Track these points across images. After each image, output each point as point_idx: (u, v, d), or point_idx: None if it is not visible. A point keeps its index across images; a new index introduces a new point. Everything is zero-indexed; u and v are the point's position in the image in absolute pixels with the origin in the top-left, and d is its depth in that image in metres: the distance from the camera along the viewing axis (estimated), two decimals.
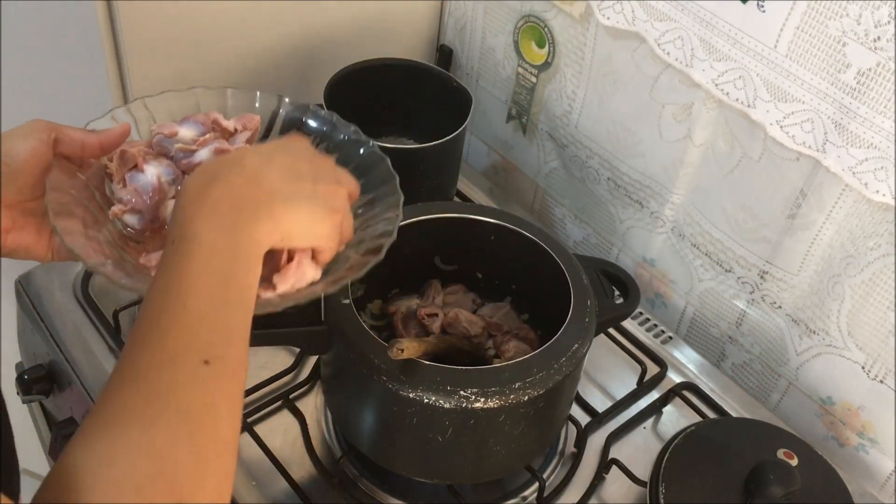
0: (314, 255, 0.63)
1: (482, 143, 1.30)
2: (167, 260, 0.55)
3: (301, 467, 0.86)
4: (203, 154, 0.71)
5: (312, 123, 0.78)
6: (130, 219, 0.70)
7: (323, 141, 0.77)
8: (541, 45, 1.10)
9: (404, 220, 0.85)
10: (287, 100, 0.78)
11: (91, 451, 0.47)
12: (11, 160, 0.63)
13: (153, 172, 0.70)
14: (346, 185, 0.64)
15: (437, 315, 0.86)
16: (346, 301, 0.75)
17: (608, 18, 0.97)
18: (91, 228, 0.66)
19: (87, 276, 1.00)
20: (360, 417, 0.80)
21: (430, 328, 0.86)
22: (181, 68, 1.02)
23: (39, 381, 1.00)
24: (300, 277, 0.63)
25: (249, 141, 0.75)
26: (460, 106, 1.07)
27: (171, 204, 0.71)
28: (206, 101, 0.76)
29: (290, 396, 0.91)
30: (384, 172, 0.74)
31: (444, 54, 1.26)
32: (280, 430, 0.89)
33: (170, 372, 0.50)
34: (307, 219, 0.59)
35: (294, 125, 0.77)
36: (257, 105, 0.77)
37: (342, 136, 0.77)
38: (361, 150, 0.76)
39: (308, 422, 0.89)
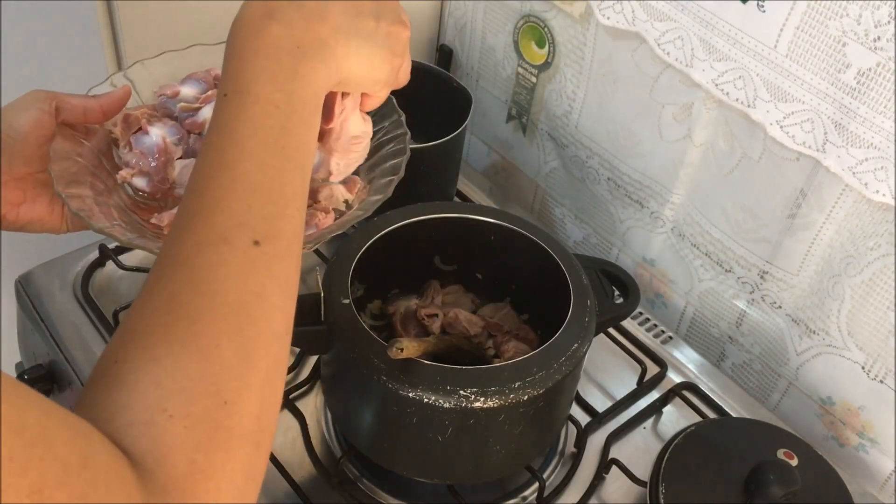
0: (362, 101, 0.59)
1: (482, 143, 1.30)
2: (217, 117, 0.49)
3: (301, 467, 0.86)
4: (206, 111, 0.71)
5: None
6: (139, 181, 0.69)
7: None
8: (541, 45, 1.10)
9: (404, 220, 0.85)
10: None
11: (136, 345, 0.44)
12: (14, 132, 0.62)
13: (158, 134, 0.69)
14: (405, 21, 0.58)
15: (436, 315, 0.86)
16: (346, 301, 0.75)
17: (608, 18, 0.97)
18: (102, 195, 0.66)
19: (87, 276, 1.00)
20: (359, 417, 0.80)
21: (429, 328, 0.86)
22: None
23: (39, 381, 0.99)
24: (346, 132, 0.61)
25: None
26: (460, 106, 1.07)
27: (178, 164, 0.70)
28: (206, 60, 0.76)
29: (290, 396, 0.91)
30: (388, 108, 0.74)
31: (444, 54, 1.26)
32: (280, 430, 0.89)
33: (217, 254, 0.45)
34: (367, 61, 0.54)
35: None
36: None
37: None
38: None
39: (308, 422, 0.89)
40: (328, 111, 0.58)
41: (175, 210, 0.67)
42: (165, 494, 0.40)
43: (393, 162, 0.72)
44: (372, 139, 0.72)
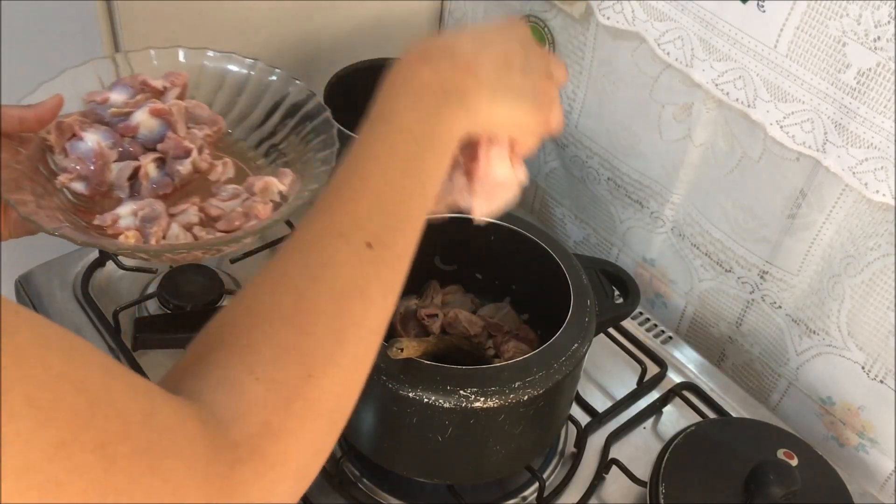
0: (512, 148, 0.63)
1: None
2: (362, 138, 0.54)
3: None
4: (138, 115, 0.76)
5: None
6: (78, 185, 0.73)
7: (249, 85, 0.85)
8: (541, 45, 1.10)
9: None
10: (210, 53, 0.85)
11: (243, 313, 0.47)
12: None
13: (93, 139, 0.73)
14: (558, 78, 0.62)
15: (436, 315, 0.86)
16: None
17: (608, 18, 0.97)
18: (42, 199, 0.69)
19: (87, 276, 1.00)
20: (359, 417, 0.80)
21: (429, 328, 0.86)
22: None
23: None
24: (490, 177, 0.64)
25: (180, 96, 0.80)
26: None
27: (114, 167, 0.75)
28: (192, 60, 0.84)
29: None
30: (315, 107, 0.82)
31: None
32: None
33: (333, 247, 0.50)
34: (510, 112, 0.58)
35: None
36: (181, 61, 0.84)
37: (269, 78, 0.85)
38: (292, 88, 0.84)
39: None
40: (474, 153, 0.63)
41: (115, 211, 0.72)
42: (235, 450, 0.42)
43: (323, 153, 0.77)
44: (300, 137, 0.80)
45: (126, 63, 0.81)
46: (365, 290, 0.50)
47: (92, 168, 0.72)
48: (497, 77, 0.57)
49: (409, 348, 0.70)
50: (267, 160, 0.84)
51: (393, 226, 0.52)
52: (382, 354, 0.72)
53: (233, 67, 0.85)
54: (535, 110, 0.60)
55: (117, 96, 0.77)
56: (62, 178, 0.71)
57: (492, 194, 0.65)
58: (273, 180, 0.77)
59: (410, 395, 0.71)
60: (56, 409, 0.35)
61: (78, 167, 0.72)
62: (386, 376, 0.71)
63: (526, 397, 0.72)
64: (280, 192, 0.77)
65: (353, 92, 1.07)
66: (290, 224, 1.02)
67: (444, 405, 0.70)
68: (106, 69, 0.80)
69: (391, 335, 0.86)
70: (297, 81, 0.84)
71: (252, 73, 0.85)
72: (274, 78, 0.85)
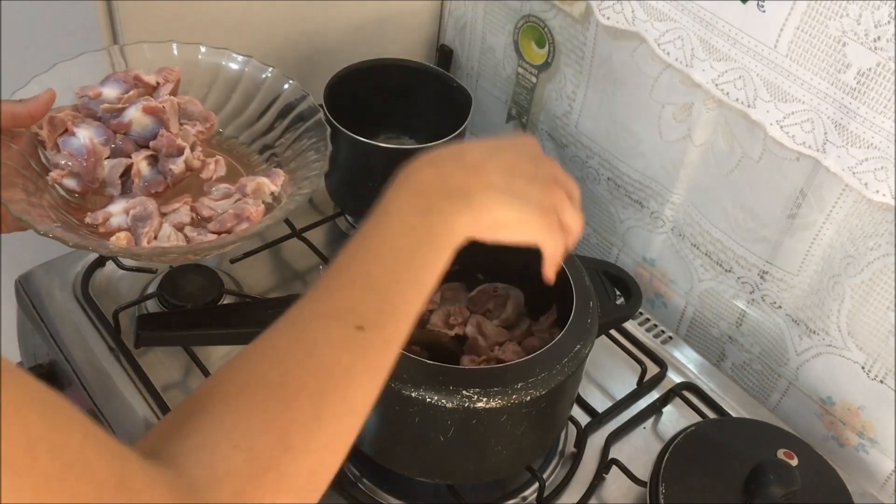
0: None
1: None
2: (364, 228, 0.56)
3: None
4: (131, 112, 0.75)
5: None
6: (69, 182, 0.73)
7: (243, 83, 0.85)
8: (541, 45, 1.10)
9: None
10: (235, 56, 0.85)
11: (230, 382, 0.48)
12: None
13: (85, 135, 0.73)
14: (564, 185, 0.63)
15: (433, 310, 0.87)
16: None
17: (608, 18, 0.97)
18: (33, 196, 0.68)
19: (87, 276, 1.00)
20: None
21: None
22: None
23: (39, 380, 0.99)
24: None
25: (173, 92, 0.79)
26: (460, 106, 1.07)
27: (107, 164, 0.74)
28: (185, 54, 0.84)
29: None
30: (308, 109, 0.82)
31: (444, 54, 1.26)
32: None
33: (324, 326, 0.51)
34: (515, 215, 0.59)
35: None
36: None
37: (262, 76, 0.85)
38: (286, 86, 0.84)
39: None
40: None
41: (107, 209, 0.72)
42: None
43: (316, 155, 0.78)
44: (293, 137, 0.81)
45: (120, 56, 0.80)
46: (351, 371, 0.50)
47: (84, 165, 0.72)
48: (503, 181, 0.58)
49: None
50: (261, 158, 0.83)
51: (385, 311, 0.53)
52: None
53: (226, 63, 0.85)
54: (542, 213, 0.60)
55: (110, 91, 0.76)
56: (54, 174, 0.71)
57: None
58: (265, 181, 0.77)
59: (413, 394, 0.71)
60: (30, 474, 0.35)
61: (70, 164, 0.71)
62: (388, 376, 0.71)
63: (528, 398, 0.72)
64: (272, 193, 0.77)
65: (353, 92, 1.07)
66: (289, 224, 1.02)
67: (447, 405, 0.70)
68: (99, 63, 0.79)
69: None
70: (291, 81, 0.84)
71: (245, 69, 0.85)
72: (267, 76, 0.85)
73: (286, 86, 0.84)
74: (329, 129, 0.79)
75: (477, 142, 0.62)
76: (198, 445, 0.45)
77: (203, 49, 0.84)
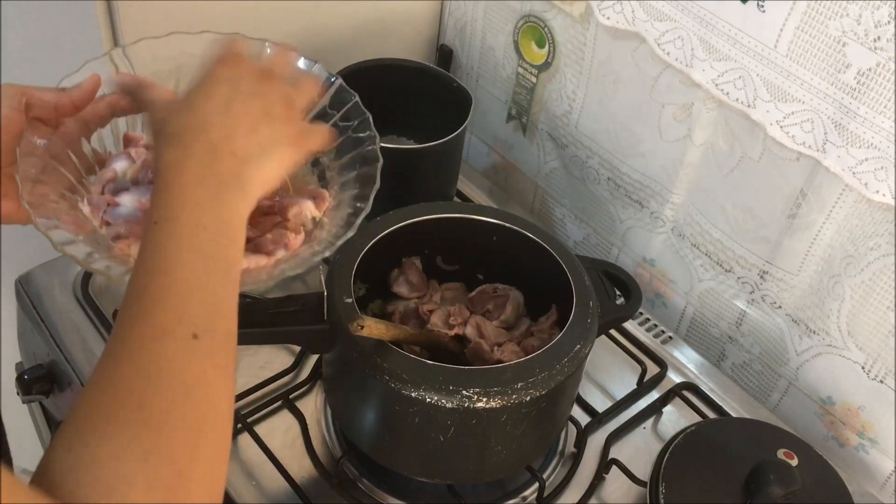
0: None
1: (482, 143, 1.30)
2: (150, 241, 0.54)
3: (301, 467, 0.86)
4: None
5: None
6: (136, 247, 0.68)
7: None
8: (541, 45, 1.10)
9: (406, 220, 0.85)
10: (268, 44, 0.76)
11: (89, 431, 0.47)
12: None
13: (130, 200, 0.70)
14: (301, 94, 0.65)
15: (435, 310, 0.87)
16: (349, 300, 0.75)
17: (608, 18, 0.97)
18: (67, 192, 0.66)
19: (87, 276, 1.00)
20: (361, 416, 0.80)
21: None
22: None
23: (39, 381, 0.99)
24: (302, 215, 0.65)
25: None
26: (460, 106, 1.07)
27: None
28: (188, 48, 0.75)
29: (290, 396, 0.91)
30: (370, 153, 0.73)
31: (444, 54, 1.26)
32: (280, 430, 0.89)
33: (161, 346, 0.50)
34: (278, 165, 0.61)
35: None
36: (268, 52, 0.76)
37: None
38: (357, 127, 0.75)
39: (308, 422, 0.89)
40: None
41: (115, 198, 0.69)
42: None
43: (366, 169, 0.72)
44: (339, 141, 0.74)
45: (124, 57, 0.75)
46: (204, 380, 0.50)
47: (140, 220, 0.69)
48: (253, 144, 0.59)
49: (372, 327, 0.70)
50: (307, 168, 0.77)
51: (213, 312, 0.53)
52: (385, 354, 0.72)
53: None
54: (293, 145, 0.62)
55: (121, 165, 0.73)
56: (121, 244, 0.67)
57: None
58: (309, 204, 0.72)
59: (413, 394, 0.71)
60: None
61: (131, 228, 0.68)
62: (388, 375, 0.71)
63: (528, 398, 0.72)
64: (314, 218, 0.72)
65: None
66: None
67: (447, 405, 0.70)
68: (103, 69, 0.76)
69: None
70: (355, 95, 0.77)
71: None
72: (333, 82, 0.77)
73: (350, 100, 0.76)
74: (381, 162, 0.71)
75: (198, 103, 0.60)
76: (94, 493, 0.45)
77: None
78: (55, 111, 0.66)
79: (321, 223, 0.72)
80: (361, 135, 0.74)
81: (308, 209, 0.72)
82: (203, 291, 0.53)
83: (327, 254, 0.67)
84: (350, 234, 0.67)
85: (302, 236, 0.70)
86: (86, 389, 0.49)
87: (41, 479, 0.46)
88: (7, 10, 1.10)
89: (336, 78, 0.76)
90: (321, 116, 0.76)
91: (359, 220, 0.68)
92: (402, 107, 1.14)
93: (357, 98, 0.76)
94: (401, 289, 0.89)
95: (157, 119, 0.61)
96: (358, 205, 0.70)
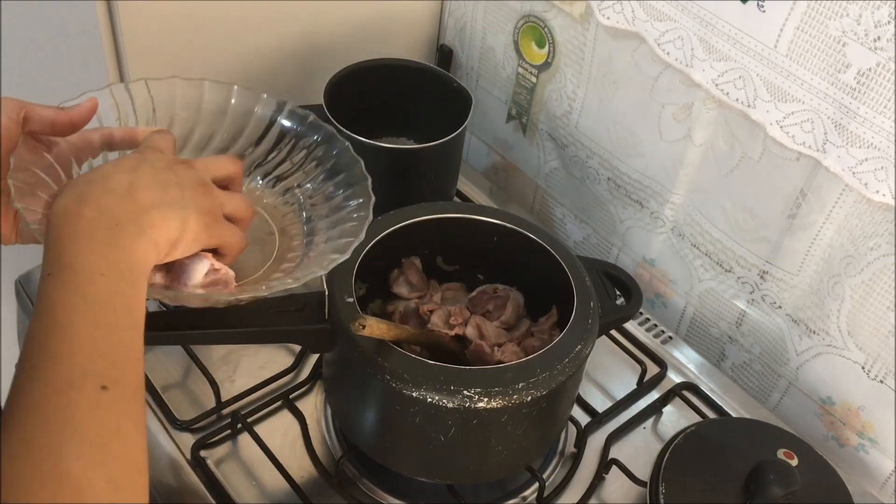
0: (218, 256, 0.65)
1: (482, 143, 1.30)
2: (45, 294, 0.52)
3: (301, 467, 0.86)
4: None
5: (286, 123, 0.79)
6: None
7: (296, 140, 0.79)
8: (541, 45, 1.10)
9: (406, 220, 0.85)
10: (265, 96, 0.79)
11: (7, 486, 0.45)
12: None
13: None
14: (207, 183, 0.64)
15: (435, 310, 0.86)
16: (350, 300, 0.75)
17: (608, 18, 0.97)
18: None
19: None
20: (362, 416, 0.80)
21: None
22: (181, 69, 1.01)
23: None
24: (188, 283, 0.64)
25: None
26: (460, 106, 1.07)
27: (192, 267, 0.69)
28: (183, 91, 0.77)
29: (290, 396, 0.91)
30: (357, 174, 0.76)
31: (444, 54, 1.26)
32: (280, 430, 0.89)
33: (69, 398, 0.48)
34: (182, 225, 0.59)
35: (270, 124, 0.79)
36: (233, 101, 0.78)
37: (315, 137, 0.79)
38: (335, 151, 0.78)
39: (308, 422, 0.89)
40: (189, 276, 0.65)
41: None
42: None
43: (353, 224, 0.73)
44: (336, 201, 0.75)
45: (125, 93, 0.74)
46: (118, 432, 0.49)
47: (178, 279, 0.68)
48: (158, 196, 0.58)
49: (373, 327, 0.70)
50: (285, 204, 0.79)
51: (119, 362, 0.51)
52: (386, 353, 0.72)
53: (259, 110, 0.79)
54: (206, 214, 0.61)
55: None
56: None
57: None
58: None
59: (414, 394, 0.71)
60: None
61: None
62: (389, 375, 0.71)
63: (529, 398, 0.72)
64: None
65: (353, 92, 1.07)
66: None
67: (448, 405, 0.70)
68: (103, 100, 0.73)
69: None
70: (347, 144, 0.78)
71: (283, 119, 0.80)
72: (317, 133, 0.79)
73: (336, 150, 0.78)
74: (373, 199, 0.73)
75: (112, 164, 0.60)
76: None
77: (235, 91, 0.78)
78: (52, 127, 0.65)
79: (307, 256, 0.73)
80: (359, 198, 0.75)
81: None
82: (107, 342, 0.51)
83: (321, 273, 0.68)
84: (344, 257, 0.69)
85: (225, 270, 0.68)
86: (3, 450, 0.47)
87: None
88: (7, 11, 1.10)
89: (347, 145, 0.78)
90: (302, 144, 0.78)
91: (352, 247, 0.69)
92: (402, 107, 1.14)
93: (361, 164, 0.76)
94: (401, 289, 0.89)
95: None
96: (353, 223, 0.72)
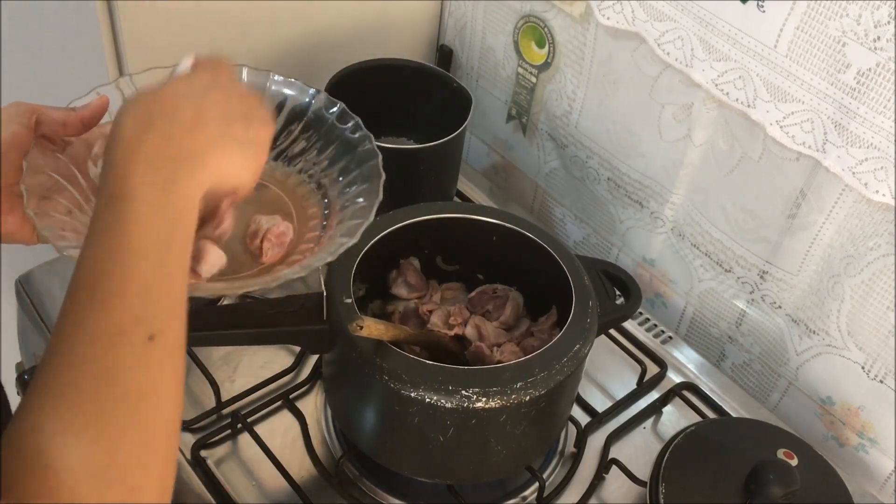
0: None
1: (482, 143, 1.30)
2: (100, 222, 0.51)
3: (301, 467, 0.86)
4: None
5: (296, 98, 0.78)
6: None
7: (317, 127, 0.78)
8: (541, 45, 1.10)
9: (405, 220, 0.85)
10: (274, 76, 0.78)
11: (42, 435, 0.45)
12: None
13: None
14: (272, 126, 0.62)
15: (434, 310, 0.87)
16: (349, 301, 0.75)
17: (608, 18, 0.97)
18: (72, 213, 0.65)
19: None
20: (361, 416, 0.80)
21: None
22: None
23: None
24: (226, 226, 0.63)
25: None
26: (460, 106, 1.07)
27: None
28: None
29: (290, 396, 0.91)
30: (373, 169, 0.74)
31: (444, 54, 1.26)
32: (280, 430, 0.89)
33: (115, 350, 0.48)
34: (238, 165, 0.58)
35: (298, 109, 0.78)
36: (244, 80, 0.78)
37: (323, 114, 0.78)
38: (356, 138, 0.76)
39: (308, 422, 0.89)
40: (215, 212, 0.63)
41: None
42: None
43: (368, 179, 0.72)
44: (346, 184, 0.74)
45: (131, 85, 0.74)
46: (160, 386, 0.49)
47: None
48: (223, 132, 0.56)
49: (371, 328, 0.70)
50: (303, 183, 0.78)
51: (167, 309, 0.51)
52: (385, 354, 0.72)
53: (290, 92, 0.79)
54: (256, 159, 0.60)
55: None
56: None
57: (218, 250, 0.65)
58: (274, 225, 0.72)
59: (412, 395, 0.71)
60: None
61: None
62: (388, 376, 0.71)
63: (528, 398, 0.72)
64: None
65: (353, 92, 1.07)
66: None
67: (446, 405, 0.71)
68: (112, 95, 0.72)
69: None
70: (357, 119, 0.78)
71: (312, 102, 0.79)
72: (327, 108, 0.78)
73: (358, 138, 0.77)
74: (384, 177, 0.72)
75: (182, 87, 0.57)
76: None
77: (245, 73, 0.78)
78: (63, 128, 0.65)
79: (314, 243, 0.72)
80: (357, 137, 0.75)
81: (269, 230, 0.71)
82: (160, 287, 0.50)
83: (330, 259, 0.67)
84: (353, 241, 0.67)
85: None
86: (38, 382, 0.47)
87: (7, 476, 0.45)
88: (7, 11, 1.10)
89: (318, 91, 0.78)
90: (318, 123, 0.77)
91: (362, 229, 0.68)
92: (402, 107, 1.14)
93: (343, 105, 0.77)
94: (400, 290, 0.89)
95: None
96: (362, 205, 0.70)
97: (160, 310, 0.50)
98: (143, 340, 0.48)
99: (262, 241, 0.72)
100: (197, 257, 0.63)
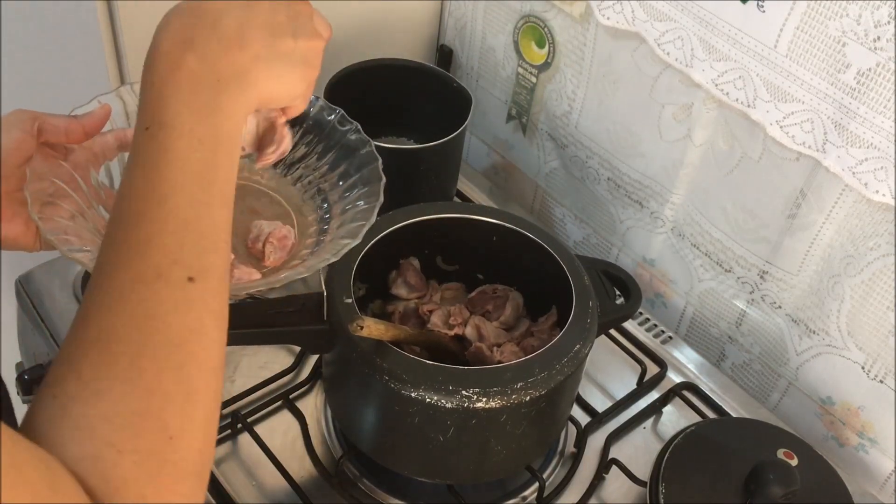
0: (283, 114, 0.61)
1: (482, 143, 1.30)
2: (140, 152, 0.48)
3: (301, 467, 0.86)
4: None
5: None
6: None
7: (317, 132, 0.78)
8: (541, 45, 1.10)
9: (405, 220, 0.85)
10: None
11: (78, 381, 0.44)
12: None
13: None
14: (324, 35, 0.57)
15: (435, 310, 0.86)
16: (349, 300, 0.75)
17: (608, 18, 0.97)
18: (75, 218, 0.66)
19: (88, 276, 1.00)
20: (361, 417, 0.80)
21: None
22: None
23: (39, 381, 0.99)
24: (284, 146, 0.62)
25: None
26: (460, 106, 1.07)
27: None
28: None
29: (290, 396, 0.91)
30: (373, 172, 0.74)
31: (444, 54, 1.26)
32: (280, 430, 0.89)
33: (154, 291, 0.46)
34: (287, 81, 0.54)
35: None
36: None
37: (337, 128, 0.78)
38: (356, 142, 0.76)
39: (308, 422, 0.89)
40: (271, 138, 0.61)
41: None
42: None
43: (369, 180, 0.72)
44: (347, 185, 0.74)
45: (132, 94, 0.74)
46: (200, 330, 0.47)
47: None
48: (269, 47, 0.52)
49: (371, 328, 0.70)
50: (301, 191, 0.79)
51: (209, 249, 0.48)
52: (385, 354, 0.72)
53: None
54: (307, 72, 0.56)
55: None
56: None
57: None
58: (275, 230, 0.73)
59: (413, 395, 0.71)
60: None
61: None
62: (388, 376, 0.71)
63: (528, 398, 0.72)
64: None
65: (353, 92, 1.07)
66: None
67: (447, 405, 0.71)
68: (113, 104, 0.72)
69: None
70: (356, 125, 0.77)
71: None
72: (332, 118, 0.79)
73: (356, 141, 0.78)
74: (384, 180, 0.72)
75: None
76: (80, 457, 0.42)
77: None
78: (66, 136, 0.65)
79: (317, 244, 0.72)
80: (356, 141, 0.75)
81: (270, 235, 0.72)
82: (200, 224, 0.48)
83: (333, 260, 0.67)
84: (356, 242, 0.67)
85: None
86: (75, 329, 0.46)
87: (28, 425, 0.44)
88: (7, 11, 1.10)
89: (318, 98, 0.78)
90: (319, 127, 0.77)
91: (364, 230, 0.68)
92: (402, 107, 1.14)
93: (342, 111, 0.76)
94: (399, 290, 0.89)
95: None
96: (363, 207, 0.71)
97: (200, 250, 0.48)
98: (183, 282, 0.46)
99: (263, 245, 0.72)
100: (272, 140, 0.61)
